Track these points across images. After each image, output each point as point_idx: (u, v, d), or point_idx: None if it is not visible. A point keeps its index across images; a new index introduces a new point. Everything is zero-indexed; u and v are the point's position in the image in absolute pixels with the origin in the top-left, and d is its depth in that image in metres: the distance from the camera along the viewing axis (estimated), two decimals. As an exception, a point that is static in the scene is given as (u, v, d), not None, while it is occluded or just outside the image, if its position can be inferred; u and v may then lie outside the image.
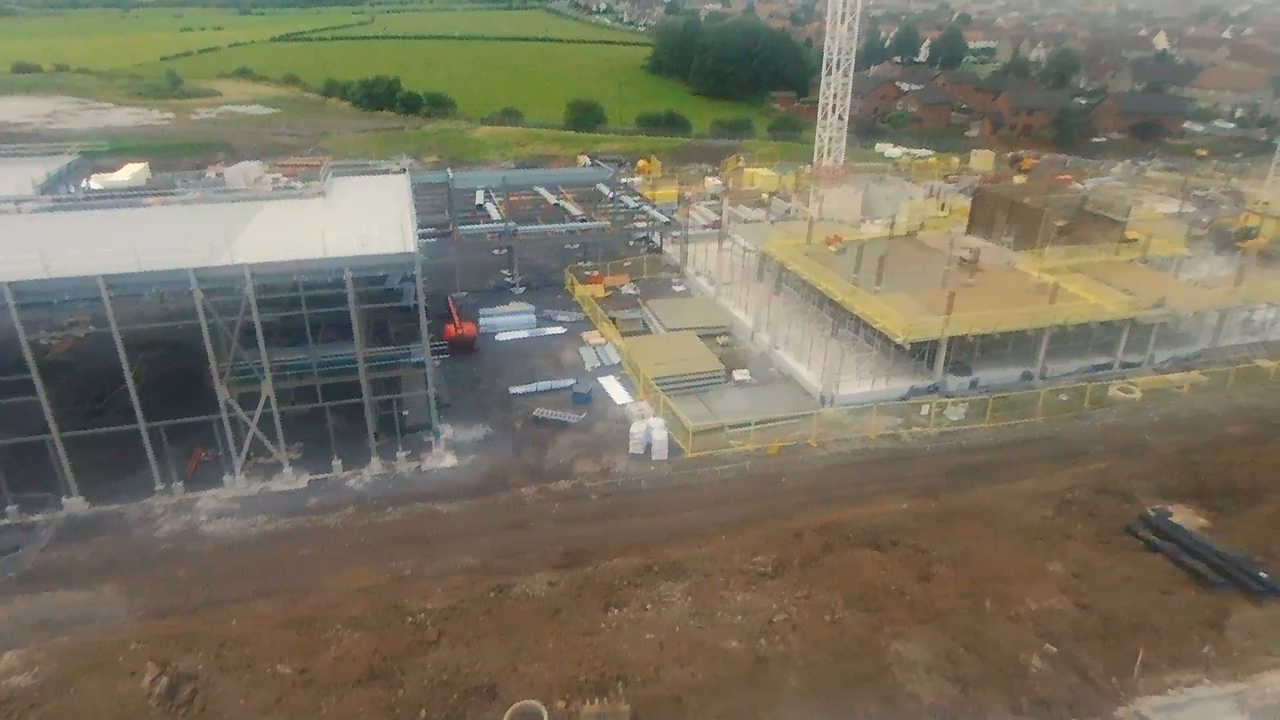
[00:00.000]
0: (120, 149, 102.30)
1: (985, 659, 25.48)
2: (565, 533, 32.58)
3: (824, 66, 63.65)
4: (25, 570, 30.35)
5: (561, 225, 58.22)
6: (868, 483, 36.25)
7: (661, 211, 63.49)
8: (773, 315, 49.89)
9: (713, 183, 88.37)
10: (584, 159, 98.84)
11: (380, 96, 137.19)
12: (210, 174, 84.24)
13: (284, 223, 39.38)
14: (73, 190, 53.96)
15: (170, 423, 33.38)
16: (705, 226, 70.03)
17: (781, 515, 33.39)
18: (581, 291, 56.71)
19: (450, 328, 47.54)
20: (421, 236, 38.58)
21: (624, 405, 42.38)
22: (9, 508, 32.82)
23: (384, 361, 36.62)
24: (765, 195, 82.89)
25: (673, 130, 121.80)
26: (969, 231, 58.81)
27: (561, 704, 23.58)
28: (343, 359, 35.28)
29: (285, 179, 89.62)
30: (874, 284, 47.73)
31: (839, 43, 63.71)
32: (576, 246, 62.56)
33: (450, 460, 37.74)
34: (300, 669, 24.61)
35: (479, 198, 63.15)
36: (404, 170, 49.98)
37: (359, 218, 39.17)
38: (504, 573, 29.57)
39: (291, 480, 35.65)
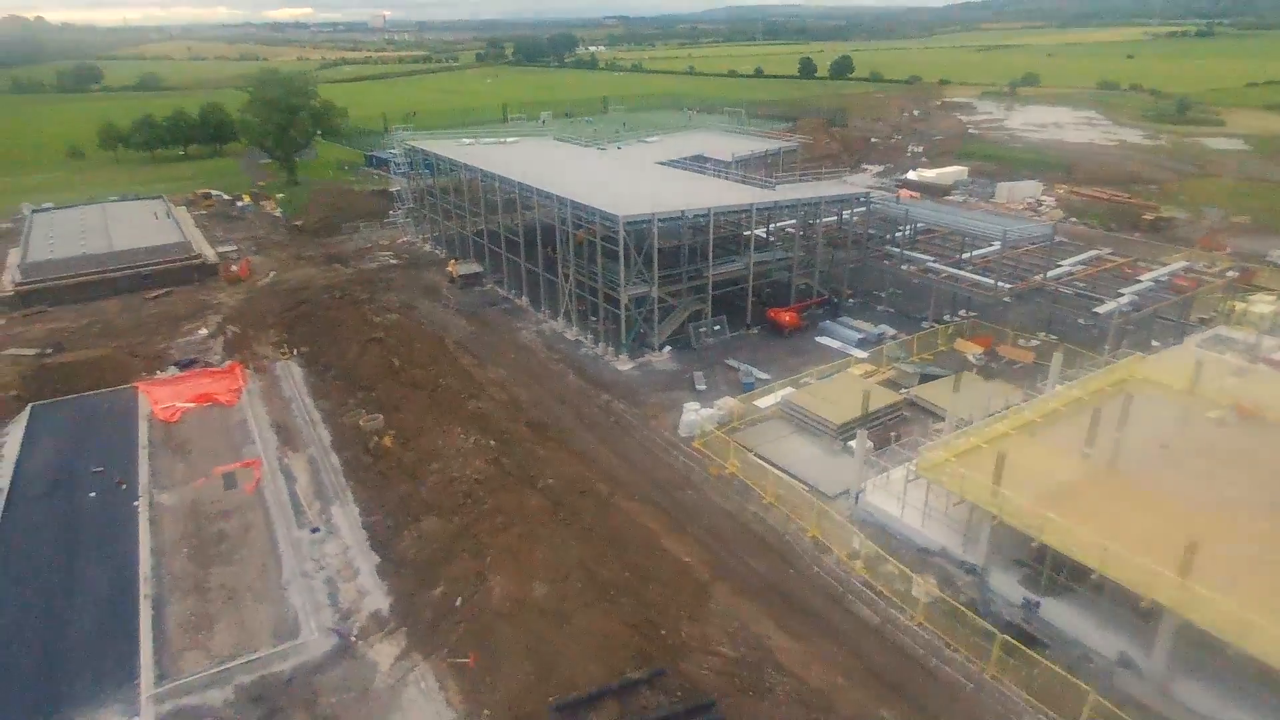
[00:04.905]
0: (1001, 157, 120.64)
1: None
2: (548, 402, 47.83)
3: None
4: (473, 312, 64.04)
5: (969, 274, 54.39)
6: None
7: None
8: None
9: None
10: None
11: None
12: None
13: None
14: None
15: (542, 273, 60.81)
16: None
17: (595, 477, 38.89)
18: (959, 344, 53.82)
19: (771, 310, 57.16)
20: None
21: (750, 402, 47.20)
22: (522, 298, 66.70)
23: (612, 283, 53.75)
24: None
25: None
26: None
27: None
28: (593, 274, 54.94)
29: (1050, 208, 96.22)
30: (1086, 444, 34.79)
31: None
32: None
33: (625, 367, 53.11)
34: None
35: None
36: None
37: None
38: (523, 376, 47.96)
39: (573, 334, 58.42)
